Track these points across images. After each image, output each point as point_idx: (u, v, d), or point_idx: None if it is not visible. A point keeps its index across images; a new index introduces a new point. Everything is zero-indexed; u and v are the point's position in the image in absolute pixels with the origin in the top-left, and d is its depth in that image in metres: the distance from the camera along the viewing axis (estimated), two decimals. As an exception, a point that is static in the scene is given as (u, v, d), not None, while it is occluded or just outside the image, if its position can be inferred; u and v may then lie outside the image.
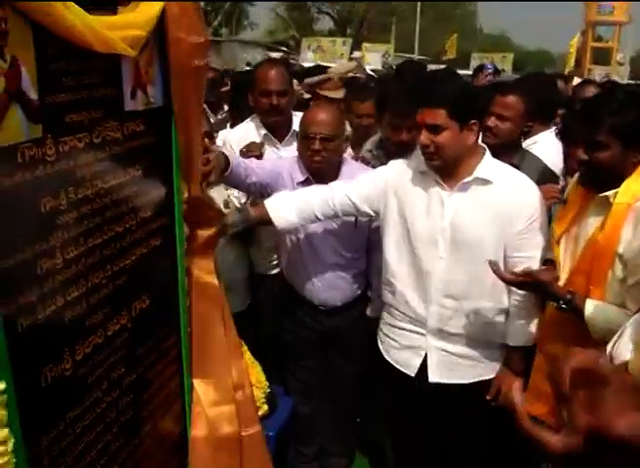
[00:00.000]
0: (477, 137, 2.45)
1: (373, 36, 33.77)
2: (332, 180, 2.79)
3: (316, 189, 2.68)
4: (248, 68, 6.02)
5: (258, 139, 3.22)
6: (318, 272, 2.88)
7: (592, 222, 2.25)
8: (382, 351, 2.72)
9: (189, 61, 1.85)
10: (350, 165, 2.92)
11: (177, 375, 2.11)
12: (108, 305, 1.67)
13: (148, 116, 1.77)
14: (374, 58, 22.85)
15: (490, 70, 5.08)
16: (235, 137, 3.26)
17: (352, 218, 2.81)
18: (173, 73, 1.84)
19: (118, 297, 1.71)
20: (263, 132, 3.25)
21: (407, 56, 29.86)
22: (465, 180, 2.43)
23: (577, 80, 9.23)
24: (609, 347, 1.77)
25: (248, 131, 3.29)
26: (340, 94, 4.28)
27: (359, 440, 3.40)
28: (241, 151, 3.10)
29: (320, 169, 2.79)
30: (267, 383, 2.80)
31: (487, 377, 2.60)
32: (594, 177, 2.25)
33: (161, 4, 1.68)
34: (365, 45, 26.94)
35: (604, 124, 2.14)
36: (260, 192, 2.87)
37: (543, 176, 2.94)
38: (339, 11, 39.88)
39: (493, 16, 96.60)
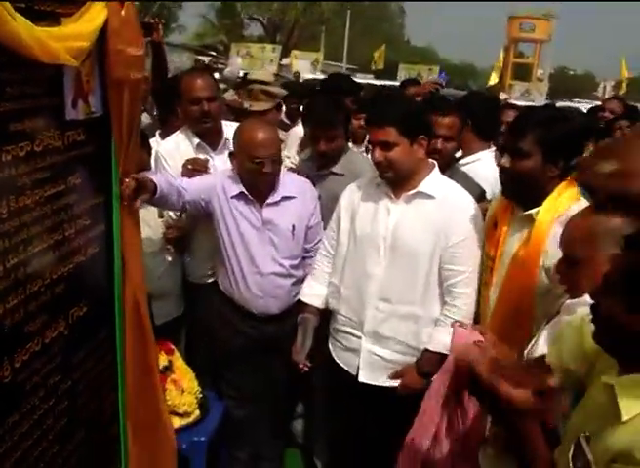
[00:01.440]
0: (425, 152, 2.58)
1: (302, 44, 33.97)
2: (267, 193, 2.88)
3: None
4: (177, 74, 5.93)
5: (190, 150, 3.20)
6: (257, 282, 2.92)
7: (516, 239, 2.34)
8: (331, 349, 2.84)
9: (128, 73, 1.88)
10: (287, 176, 2.97)
11: (110, 381, 2.12)
12: (46, 313, 1.68)
13: (89, 125, 1.79)
14: (303, 66, 23.02)
15: (441, 81, 5.24)
16: (166, 149, 3.23)
17: (290, 227, 2.91)
18: (110, 84, 1.86)
19: (56, 305, 1.72)
20: (196, 141, 3.23)
21: (335, 64, 30.16)
22: (409, 193, 2.58)
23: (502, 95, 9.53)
24: (525, 352, 1.91)
25: (178, 143, 3.24)
26: (267, 105, 4.25)
27: (289, 443, 3.47)
28: (184, 167, 3.09)
29: (266, 185, 2.87)
30: (199, 389, 2.82)
31: None
32: (515, 187, 2.33)
33: (104, 16, 1.70)
34: (294, 52, 27.05)
35: (529, 133, 2.24)
36: (194, 208, 2.91)
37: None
38: (269, 18, 39.91)
39: (420, 29, 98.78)
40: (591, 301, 1.41)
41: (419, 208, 2.57)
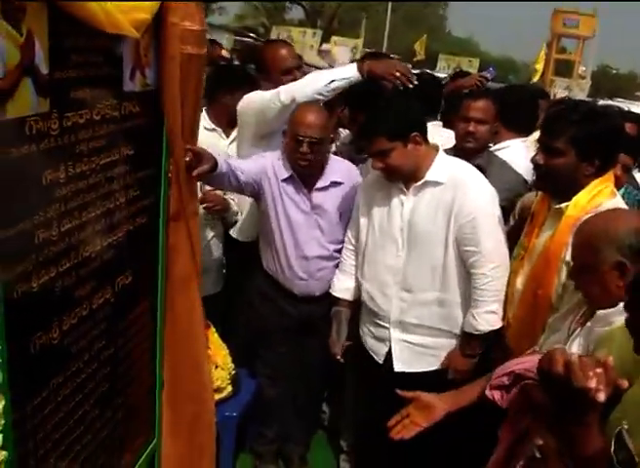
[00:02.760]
0: (425, 144, 2.61)
1: (343, 30, 33.83)
2: (316, 178, 2.91)
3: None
4: (223, 63, 5.93)
5: (203, 133, 3.26)
6: (302, 265, 2.96)
7: (547, 232, 2.39)
8: (362, 336, 2.89)
9: (180, 47, 1.88)
10: (334, 162, 2.99)
11: (150, 352, 2.16)
12: (95, 279, 1.71)
13: (145, 98, 1.81)
14: (342, 52, 22.94)
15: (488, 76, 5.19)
16: None
17: (337, 212, 2.94)
18: (163, 57, 1.87)
19: (104, 272, 1.75)
20: (211, 126, 3.40)
21: (375, 52, 29.91)
22: (418, 184, 2.63)
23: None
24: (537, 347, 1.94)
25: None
26: None
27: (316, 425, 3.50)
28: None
29: (305, 169, 2.88)
30: (233, 365, 2.86)
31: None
32: (548, 182, 2.39)
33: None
34: (334, 38, 26.94)
35: (564, 132, 2.27)
36: (248, 190, 2.94)
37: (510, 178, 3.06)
38: (310, 2, 39.78)
39: (462, 20, 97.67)
40: (621, 308, 1.44)
41: (428, 196, 2.62)
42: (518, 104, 3.69)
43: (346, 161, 3.11)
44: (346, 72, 2.91)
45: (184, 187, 2.09)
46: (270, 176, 2.89)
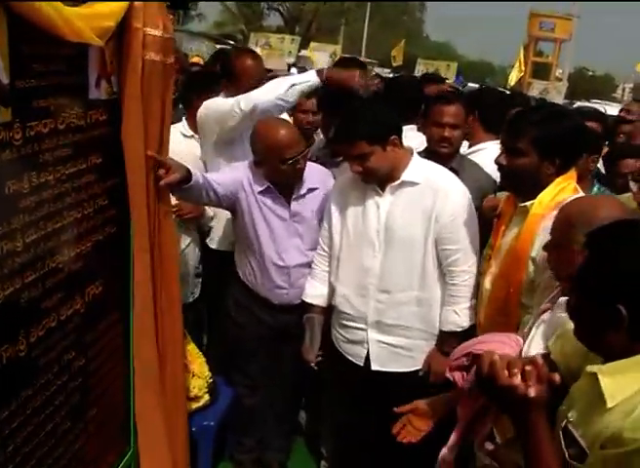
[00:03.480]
0: (401, 146, 2.63)
1: (321, 36, 33.88)
2: (293, 186, 2.90)
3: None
4: (196, 69, 5.88)
5: (182, 142, 3.26)
6: (282, 274, 2.93)
7: (513, 231, 2.42)
8: (334, 341, 2.88)
9: (142, 53, 1.84)
10: (309, 168, 2.97)
11: (123, 362, 2.13)
12: (63, 289, 1.69)
13: (111, 105, 1.80)
14: (321, 58, 22.97)
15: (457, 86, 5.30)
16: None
17: (316, 218, 2.93)
18: (123, 63, 1.83)
19: (73, 282, 1.74)
20: (190, 133, 3.36)
21: (353, 57, 29.97)
22: (394, 184, 2.63)
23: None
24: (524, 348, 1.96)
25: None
26: None
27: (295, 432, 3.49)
28: None
29: (296, 180, 2.89)
30: (210, 374, 2.84)
31: (419, 368, 2.75)
32: (512, 182, 2.44)
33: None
34: (312, 44, 26.98)
35: (525, 133, 2.31)
36: (220, 204, 2.91)
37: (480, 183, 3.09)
38: (288, 9, 39.83)
39: (439, 24, 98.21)
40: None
41: (406, 196, 2.62)
42: (496, 106, 3.72)
43: (320, 166, 3.10)
44: (306, 77, 2.94)
45: (151, 196, 2.06)
46: (246, 189, 2.86)
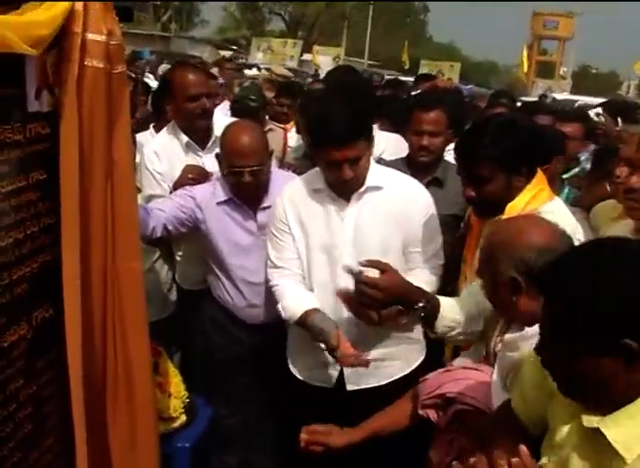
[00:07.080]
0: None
1: (324, 40, 33.88)
2: (260, 197, 2.77)
3: None
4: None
5: (180, 150, 3.09)
6: (253, 290, 2.82)
7: None
8: (295, 371, 2.73)
9: (84, 59, 1.72)
10: (277, 176, 2.85)
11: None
12: (6, 315, 1.59)
13: (55, 118, 1.70)
14: (324, 62, 22.94)
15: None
16: (154, 151, 3.07)
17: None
18: (62, 69, 1.68)
19: (17, 307, 1.63)
20: (185, 139, 3.11)
21: (357, 60, 30.05)
22: (360, 191, 2.49)
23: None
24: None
25: (165, 143, 3.13)
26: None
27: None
28: (183, 177, 2.93)
29: (251, 195, 2.77)
30: (186, 393, 2.74)
31: (398, 377, 2.67)
32: (488, 208, 2.29)
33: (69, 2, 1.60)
34: (315, 48, 26.99)
35: (483, 158, 2.18)
36: (179, 226, 2.79)
37: None
38: (290, 13, 39.83)
39: (443, 25, 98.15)
40: (528, 333, 1.47)
41: (372, 202, 2.50)
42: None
43: (288, 173, 2.99)
44: None
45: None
46: (207, 204, 2.75)
